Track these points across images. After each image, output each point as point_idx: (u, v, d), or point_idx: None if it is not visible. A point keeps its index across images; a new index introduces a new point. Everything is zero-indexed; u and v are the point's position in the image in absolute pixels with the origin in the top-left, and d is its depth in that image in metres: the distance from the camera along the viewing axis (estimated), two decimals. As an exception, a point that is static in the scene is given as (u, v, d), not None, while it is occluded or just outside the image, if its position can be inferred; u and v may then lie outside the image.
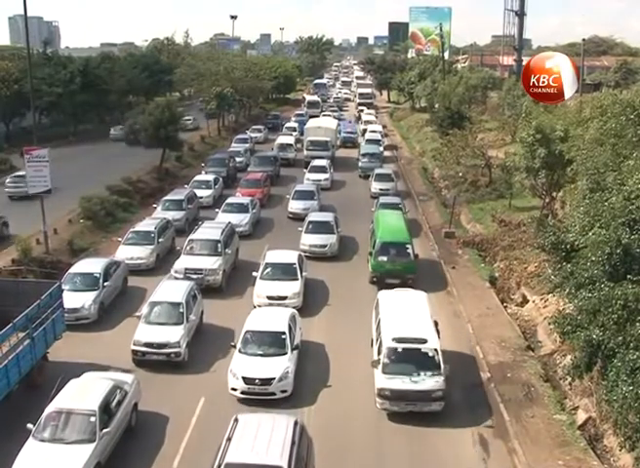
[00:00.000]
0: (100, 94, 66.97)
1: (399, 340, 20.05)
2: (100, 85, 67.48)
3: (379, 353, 20.32)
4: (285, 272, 27.79)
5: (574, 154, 25.63)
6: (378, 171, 47.84)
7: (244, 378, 20.42)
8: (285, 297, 26.60)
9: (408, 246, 29.44)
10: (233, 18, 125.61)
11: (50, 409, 17.00)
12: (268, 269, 28.02)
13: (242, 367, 20.73)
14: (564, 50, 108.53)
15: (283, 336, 21.72)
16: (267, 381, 20.41)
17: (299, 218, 37.76)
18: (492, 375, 22.13)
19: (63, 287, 25.67)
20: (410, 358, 19.87)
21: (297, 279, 27.55)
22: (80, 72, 65.87)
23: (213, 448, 15.40)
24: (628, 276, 16.85)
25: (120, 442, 17.81)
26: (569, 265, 19.07)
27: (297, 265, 28.12)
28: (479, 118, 61.59)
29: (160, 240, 32.11)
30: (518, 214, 37.08)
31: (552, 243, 20.57)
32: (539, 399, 20.62)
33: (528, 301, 27.69)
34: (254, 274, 28.06)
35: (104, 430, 16.76)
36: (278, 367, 20.77)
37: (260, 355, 21.34)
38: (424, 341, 20.08)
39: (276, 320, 22.63)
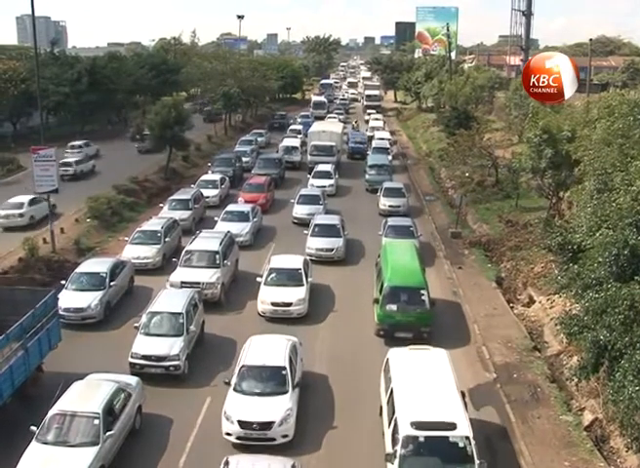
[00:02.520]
0: (106, 93, 67.06)
1: (420, 426, 15.76)
2: (106, 85, 67.56)
3: (393, 442, 16.07)
4: (290, 278, 26.93)
5: (581, 154, 25.57)
6: (387, 185, 43.15)
7: (240, 422, 17.92)
8: (290, 304, 25.93)
9: (423, 291, 24.48)
10: (240, 17, 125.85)
11: (53, 411, 16.88)
12: (273, 274, 27.16)
13: (238, 409, 18.25)
14: (571, 50, 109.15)
15: (283, 372, 19.23)
16: (267, 425, 17.93)
17: (303, 224, 36.35)
18: (498, 376, 22.02)
19: (70, 286, 25.83)
20: (435, 449, 15.65)
21: (302, 285, 26.69)
22: (87, 72, 66.00)
23: (218, 453, 15.16)
24: (636, 277, 16.72)
25: (124, 444, 17.70)
26: (576, 266, 18.95)
27: (302, 271, 27.29)
28: (486, 118, 61.62)
29: (167, 239, 32.06)
30: (525, 214, 37.05)
31: (559, 243, 20.44)
32: (545, 400, 20.52)
33: (534, 302, 27.59)
34: (258, 280, 27.32)
35: (108, 433, 16.64)
36: (278, 408, 18.30)
37: (258, 394, 18.85)
38: (453, 427, 15.82)
39: (275, 352, 20.05)
